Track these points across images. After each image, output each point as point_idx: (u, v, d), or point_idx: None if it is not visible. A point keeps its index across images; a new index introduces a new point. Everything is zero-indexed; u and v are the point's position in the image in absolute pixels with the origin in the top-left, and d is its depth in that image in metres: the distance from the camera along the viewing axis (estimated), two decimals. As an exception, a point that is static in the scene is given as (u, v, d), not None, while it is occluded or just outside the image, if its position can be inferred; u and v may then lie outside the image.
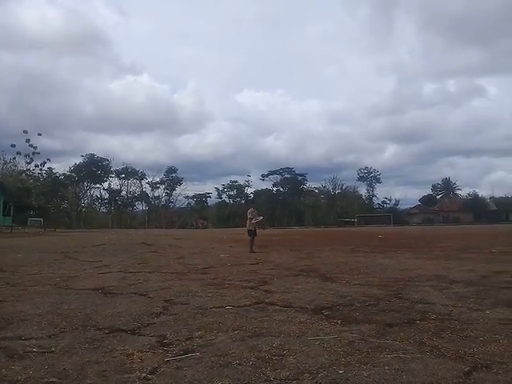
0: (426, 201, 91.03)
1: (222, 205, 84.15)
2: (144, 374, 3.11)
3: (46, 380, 3.05)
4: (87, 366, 3.33)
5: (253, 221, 15.46)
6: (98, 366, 3.32)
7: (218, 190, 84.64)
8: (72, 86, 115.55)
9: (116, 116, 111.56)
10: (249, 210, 15.98)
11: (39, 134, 67.02)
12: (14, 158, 64.35)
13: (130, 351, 3.67)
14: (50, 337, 4.18)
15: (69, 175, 74.98)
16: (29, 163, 65.56)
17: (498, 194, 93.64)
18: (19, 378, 3.08)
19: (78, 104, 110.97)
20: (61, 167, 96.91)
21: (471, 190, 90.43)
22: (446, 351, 3.51)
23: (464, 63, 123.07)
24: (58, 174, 71.86)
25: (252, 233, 15.18)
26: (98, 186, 79.16)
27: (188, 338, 4.05)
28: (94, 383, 2.98)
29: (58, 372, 3.20)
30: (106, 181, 79.47)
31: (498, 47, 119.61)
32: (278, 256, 13.23)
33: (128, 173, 79.51)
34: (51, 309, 5.44)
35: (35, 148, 65.49)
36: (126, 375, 3.11)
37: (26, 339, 4.08)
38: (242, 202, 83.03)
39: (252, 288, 7.01)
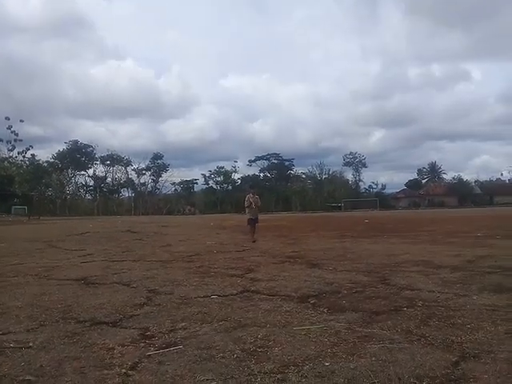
0: (412, 185, 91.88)
1: (209, 191, 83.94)
2: (124, 370, 3.00)
3: (21, 378, 2.91)
4: (65, 361, 3.20)
5: (247, 211, 13.97)
6: (76, 361, 3.20)
7: (204, 176, 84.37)
8: (54, 70, 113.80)
9: (100, 101, 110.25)
10: (247, 196, 14.13)
11: (21, 121, 65.90)
12: (-4, 146, 63.16)
13: (111, 345, 3.55)
14: (28, 331, 4.04)
15: (52, 162, 73.93)
16: (11, 150, 64.48)
17: (483, 177, 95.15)
18: (-7, 376, 2.95)
19: (61, 89, 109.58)
20: (44, 154, 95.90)
21: (456, 174, 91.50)
22: (433, 340, 3.46)
23: (448, 47, 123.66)
24: (41, 161, 70.78)
25: (252, 221, 13.80)
26: (82, 173, 78.47)
27: (171, 330, 3.95)
28: (71, 381, 2.86)
29: (35, 369, 3.07)
30: (90, 168, 78.75)
31: (482, 31, 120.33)
32: (265, 242, 13.18)
33: (113, 159, 78.72)
34: (31, 301, 5.29)
35: (17, 135, 64.38)
36: (106, 371, 3.00)
37: (3, 334, 3.94)
38: (230, 188, 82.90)
39: (238, 276, 6.92)
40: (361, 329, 3.83)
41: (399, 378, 2.71)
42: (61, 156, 75.36)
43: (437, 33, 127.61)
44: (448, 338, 3.51)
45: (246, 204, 13.87)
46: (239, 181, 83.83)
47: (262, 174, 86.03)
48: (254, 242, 13.02)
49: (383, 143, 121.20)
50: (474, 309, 4.45)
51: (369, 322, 4.07)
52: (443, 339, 3.47)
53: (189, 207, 79.00)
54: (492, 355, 3.07)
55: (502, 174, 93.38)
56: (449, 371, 2.83)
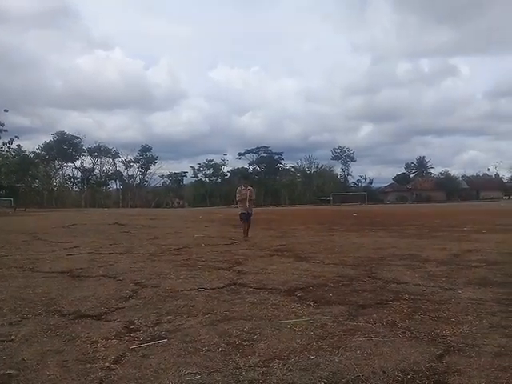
0: (400, 179, 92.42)
1: (198, 184, 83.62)
2: (107, 364, 2.96)
3: (2, 372, 2.86)
4: (48, 355, 3.16)
5: (238, 204, 12.65)
6: (59, 355, 3.16)
7: (193, 168, 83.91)
8: (41, 60, 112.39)
9: (87, 92, 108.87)
10: (238, 189, 12.68)
11: (5, 111, 64.17)
12: (-19, 136, 61.93)
13: (95, 338, 3.51)
14: (10, 324, 3.98)
15: (39, 153, 72.99)
16: (-4, 141, 63.26)
17: (470, 172, 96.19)
18: (-27, 370, 2.89)
19: (48, 80, 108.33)
20: (30, 145, 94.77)
21: (444, 169, 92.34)
22: (418, 333, 3.47)
23: (437, 43, 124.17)
24: (27, 152, 69.75)
25: (244, 216, 12.33)
26: (69, 164, 77.53)
27: (156, 323, 3.91)
28: (54, 374, 2.81)
29: (17, 362, 3.02)
30: (77, 159, 77.86)
31: (470, 27, 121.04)
32: (253, 235, 13.15)
33: (101, 151, 77.94)
34: (15, 293, 5.22)
35: (2, 125, 63.00)
36: (88, 365, 2.96)
37: (-16, 327, 3.88)
38: (219, 181, 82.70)
39: (225, 269, 6.89)
40: (347, 322, 3.83)
41: (384, 372, 2.71)
42: (47, 147, 74.41)
43: (426, 28, 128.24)
44: (433, 331, 3.53)
45: (238, 197, 12.42)
46: (228, 174, 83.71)
47: (251, 168, 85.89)
48: (246, 240, 11.73)
49: (372, 137, 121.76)
50: (459, 302, 4.48)
51: (355, 315, 4.07)
52: (428, 332, 3.49)
53: (177, 200, 78.69)
54: (476, 349, 3.09)
55: (488, 170, 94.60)
56: (433, 364, 2.84)
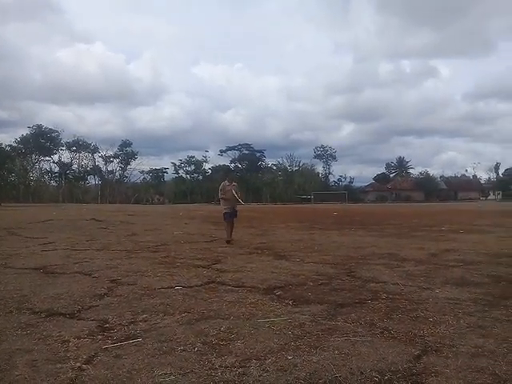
0: (380, 179, 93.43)
1: (179, 180, 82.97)
2: (78, 364, 2.87)
3: (-33, 372, 2.74)
4: (17, 354, 3.05)
5: (222, 202, 11.07)
6: (28, 354, 3.04)
7: (175, 165, 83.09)
8: (20, 52, 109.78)
9: (67, 86, 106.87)
10: (222, 184, 11.12)
11: (-18, 103, 62.82)
12: (-44, 128, 60.27)
13: (66, 337, 3.40)
14: (-22, 322, 3.84)
15: (15, 147, 71.40)
16: (-28, 133, 61.71)
17: (448, 173, 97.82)
18: None
19: (26, 72, 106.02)
20: (7, 138, 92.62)
21: (423, 170, 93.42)
22: (396, 333, 3.46)
23: (419, 44, 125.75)
24: (3, 145, 68.20)
25: (229, 216, 10.73)
26: (47, 158, 76.01)
27: (131, 322, 3.82)
28: (22, 375, 2.70)
29: (-17, 362, 2.90)
30: (55, 153, 76.38)
31: (450, 29, 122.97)
32: (234, 233, 13.05)
33: (79, 145, 76.63)
34: (-15, 290, 5.04)
35: (-22, 117, 61.56)
36: (59, 365, 2.85)
37: (-49, 325, 3.73)
38: (200, 177, 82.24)
39: (204, 267, 6.81)
40: (325, 321, 3.80)
41: (361, 372, 2.68)
42: (24, 140, 72.79)
43: (407, 30, 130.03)
44: (411, 331, 3.52)
45: (221, 194, 10.88)
46: (210, 171, 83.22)
47: (232, 165, 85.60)
48: (228, 242, 10.36)
49: (353, 137, 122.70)
50: (437, 302, 4.50)
51: (333, 314, 4.05)
52: (406, 332, 3.48)
53: (158, 196, 77.97)
54: (454, 349, 3.09)
55: (466, 171, 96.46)
56: (411, 365, 2.82)
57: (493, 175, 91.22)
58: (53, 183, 79.42)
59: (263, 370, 2.75)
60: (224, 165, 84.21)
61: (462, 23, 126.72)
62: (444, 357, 2.95)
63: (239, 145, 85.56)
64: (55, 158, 76.49)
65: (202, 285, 5.45)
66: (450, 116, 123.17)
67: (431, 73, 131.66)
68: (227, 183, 10.93)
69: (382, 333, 3.47)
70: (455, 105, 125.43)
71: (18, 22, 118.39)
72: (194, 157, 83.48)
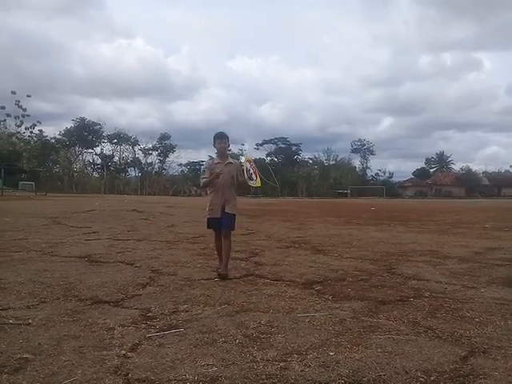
0: (419, 174, 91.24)
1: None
2: (123, 352, 2.93)
3: (18, 356, 2.85)
4: (64, 340, 3.15)
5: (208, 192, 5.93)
6: (75, 341, 3.14)
7: (211, 158, 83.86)
8: (64, 48, 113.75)
9: (108, 80, 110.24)
10: (205, 164, 6.84)
11: (28, 96, 64.94)
12: (5, 121, 62.76)
13: (111, 325, 3.49)
14: (28, 307, 4.00)
15: (60, 139, 74.01)
16: (19, 126, 63.98)
17: (491, 169, 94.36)
18: (-10, 353, 2.89)
19: (70, 67, 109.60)
20: (52, 131, 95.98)
21: (464, 165, 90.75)
22: (441, 333, 3.36)
23: (459, 37, 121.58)
24: (48, 138, 70.72)
25: (216, 223, 5.73)
26: (90, 150, 78.46)
27: (173, 312, 3.88)
28: (69, 360, 2.79)
29: (33, 347, 3.01)
30: (98, 146, 78.71)
31: (493, 21, 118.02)
32: (270, 226, 13.09)
33: (120, 138, 78.64)
34: (33, 277, 5.25)
35: (25, 110, 63.62)
36: (105, 352, 2.93)
37: (3, 309, 3.90)
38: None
39: (242, 259, 6.85)
40: (366, 318, 3.74)
41: (406, 372, 2.62)
42: (68, 133, 75.39)
43: (447, 22, 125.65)
44: (456, 331, 3.41)
45: (204, 179, 5.80)
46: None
47: (268, 158, 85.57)
48: (220, 274, 5.41)
49: (392, 131, 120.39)
50: (483, 302, 4.34)
51: (374, 311, 3.98)
52: (451, 332, 3.38)
53: (195, 189, 78.88)
54: (502, 351, 2.97)
55: (510, 166, 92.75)
56: (457, 366, 2.73)
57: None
58: (95, 174, 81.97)
59: (305, 365, 2.73)
60: (260, 158, 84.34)
61: (505, 14, 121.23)
62: (492, 358, 2.84)
63: (275, 138, 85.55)
64: (97, 150, 78.90)
65: (240, 277, 5.48)
66: (493, 110, 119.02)
67: (473, 65, 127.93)
68: (217, 160, 5.90)
69: (426, 332, 3.38)
70: (498, 98, 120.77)
71: (61, 17, 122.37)
72: (230, 150, 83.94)
